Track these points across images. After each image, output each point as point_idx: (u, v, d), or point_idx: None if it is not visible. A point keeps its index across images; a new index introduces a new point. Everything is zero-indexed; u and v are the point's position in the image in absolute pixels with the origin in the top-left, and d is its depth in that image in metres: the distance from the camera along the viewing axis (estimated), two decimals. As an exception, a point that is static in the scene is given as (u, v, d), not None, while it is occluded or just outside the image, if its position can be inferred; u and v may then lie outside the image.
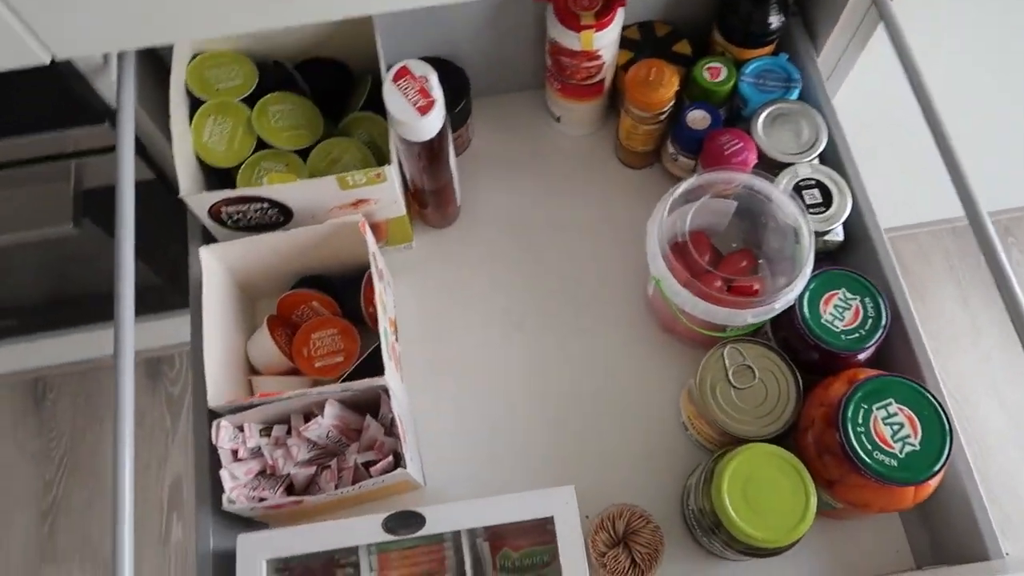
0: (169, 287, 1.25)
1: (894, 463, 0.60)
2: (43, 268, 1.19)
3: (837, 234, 0.75)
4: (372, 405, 0.68)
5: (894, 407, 0.62)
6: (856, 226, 0.75)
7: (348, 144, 0.74)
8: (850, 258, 0.77)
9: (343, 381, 0.71)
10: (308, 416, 0.67)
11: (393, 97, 0.66)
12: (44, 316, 1.32)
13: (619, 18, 0.74)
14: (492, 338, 0.79)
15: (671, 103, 0.77)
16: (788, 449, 0.65)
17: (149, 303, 1.29)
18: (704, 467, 0.67)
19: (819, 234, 0.73)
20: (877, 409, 0.62)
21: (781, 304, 0.66)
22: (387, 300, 0.73)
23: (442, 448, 0.74)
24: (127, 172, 0.61)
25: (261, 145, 0.73)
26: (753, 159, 0.73)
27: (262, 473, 0.66)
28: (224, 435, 0.64)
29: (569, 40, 0.74)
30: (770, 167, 0.76)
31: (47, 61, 0.57)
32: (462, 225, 0.84)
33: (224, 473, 0.63)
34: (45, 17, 0.52)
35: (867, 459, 0.60)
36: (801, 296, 0.68)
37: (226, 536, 0.64)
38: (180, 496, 1.44)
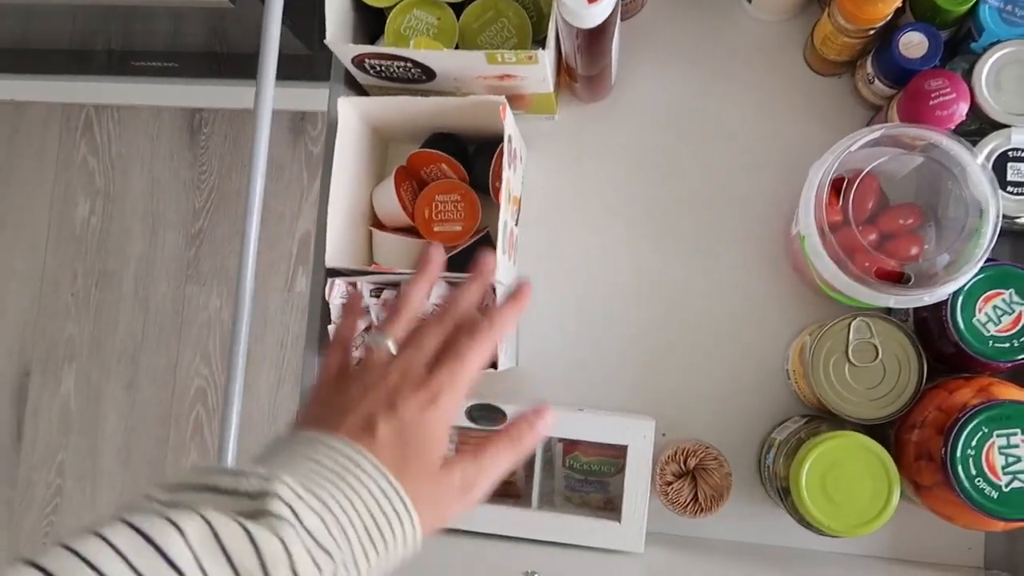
0: (318, 57, 1.25)
1: (995, 495, 0.56)
2: (204, 27, 1.20)
3: (1031, 217, 0.64)
4: (480, 290, 0.68)
5: (1018, 438, 0.56)
6: (1056, 211, 0.64)
7: (507, 6, 0.67)
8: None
9: (455, 251, 0.71)
10: (417, 287, 0.67)
11: (563, -27, 0.57)
12: (204, 65, 1.35)
13: (854, -97, 0.60)
14: (612, 234, 0.75)
15: (887, 19, 0.64)
16: (885, 438, 0.62)
17: (298, 69, 1.29)
18: (792, 433, 0.64)
19: (1009, 216, 0.63)
20: (998, 436, 0.56)
21: (933, 297, 0.59)
22: (514, 182, 0.70)
23: (539, 335, 0.74)
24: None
25: (416, -12, 0.67)
26: (961, 116, 0.61)
27: (367, 330, 0.68)
28: (336, 292, 0.66)
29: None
30: (983, 122, 0.64)
31: None
32: (612, 103, 0.76)
33: (332, 328, 0.65)
34: None
35: (967, 483, 0.56)
36: (960, 287, 0.61)
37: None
38: (307, 251, 1.54)
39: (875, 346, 0.63)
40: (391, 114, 0.70)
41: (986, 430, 0.56)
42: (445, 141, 0.74)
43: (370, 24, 0.71)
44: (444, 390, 0.41)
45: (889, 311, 0.66)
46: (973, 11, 0.64)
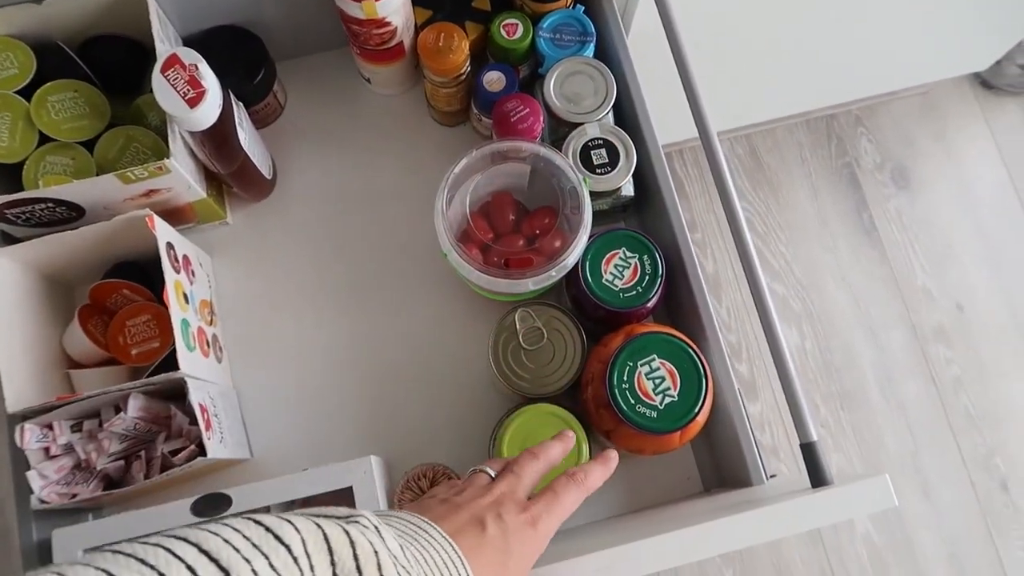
0: None
1: (654, 415, 0.63)
2: None
3: (628, 190, 0.74)
4: (182, 391, 0.67)
5: (656, 362, 0.64)
6: (648, 180, 0.75)
7: (136, 132, 0.70)
8: (644, 210, 0.77)
9: (159, 361, 0.71)
10: (119, 408, 0.66)
11: (162, 89, 0.62)
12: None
13: (402, -17, 0.70)
14: (310, 311, 0.78)
15: (465, 67, 0.74)
16: (578, 405, 0.68)
17: None
18: (498, 423, 0.69)
19: (609, 192, 0.73)
20: (641, 365, 0.64)
21: (559, 271, 0.66)
22: (194, 287, 0.71)
23: (269, 420, 0.75)
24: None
25: (46, 138, 0.69)
26: (539, 125, 0.71)
27: (77, 467, 0.66)
28: (30, 436, 0.63)
29: (352, 9, 0.69)
30: (563, 127, 0.74)
31: None
32: (278, 196, 0.81)
33: (32, 474, 0.62)
34: None
35: (629, 412, 0.62)
36: (584, 257, 0.69)
37: (51, 524, 0.65)
38: None
39: (540, 328, 0.69)
40: (55, 256, 0.70)
41: (631, 364, 0.64)
42: (127, 267, 0.75)
43: (12, 180, 0.71)
44: (542, 518, 0.46)
45: (549, 294, 0.73)
46: (534, 45, 0.76)
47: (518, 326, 0.69)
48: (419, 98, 0.84)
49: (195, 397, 0.64)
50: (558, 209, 0.75)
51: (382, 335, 0.77)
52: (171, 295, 0.65)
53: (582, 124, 0.73)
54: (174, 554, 0.30)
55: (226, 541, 0.31)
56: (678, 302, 0.73)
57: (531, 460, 0.51)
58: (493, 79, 0.75)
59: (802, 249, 1.55)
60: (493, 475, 0.50)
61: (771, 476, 0.69)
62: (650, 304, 0.69)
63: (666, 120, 0.79)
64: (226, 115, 0.66)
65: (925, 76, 1.53)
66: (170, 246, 0.68)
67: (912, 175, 1.60)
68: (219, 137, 0.66)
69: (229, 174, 0.72)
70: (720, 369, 0.67)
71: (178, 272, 0.68)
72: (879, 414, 1.47)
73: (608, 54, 0.78)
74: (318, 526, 0.34)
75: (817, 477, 0.56)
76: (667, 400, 0.63)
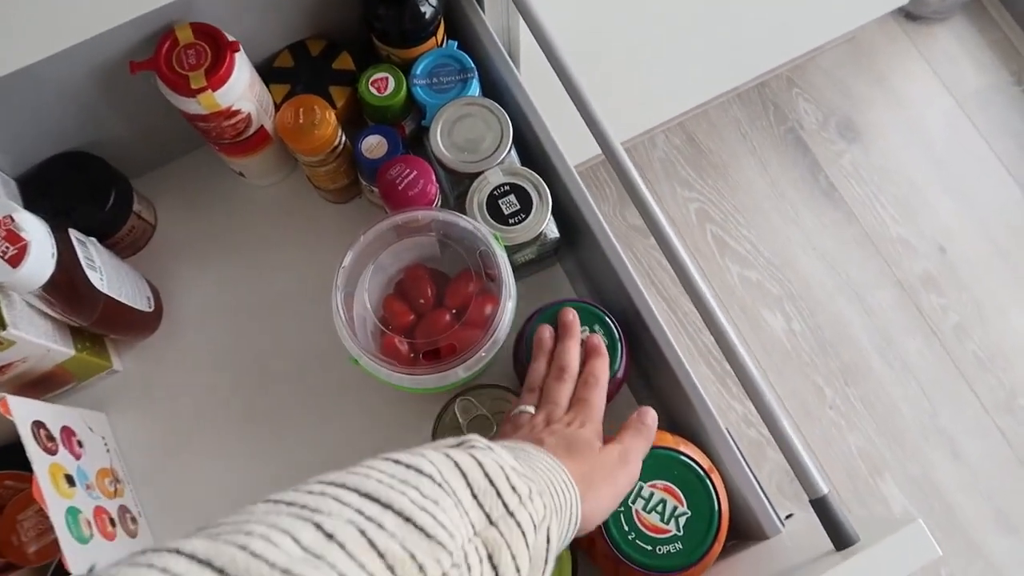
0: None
1: (679, 545, 0.53)
2: None
3: (551, 232, 0.65)
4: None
5: (646, 489, 0.54)
6: (573, 214, 0.65)
7: (-28, 302, 0.59)
8: (578, 247, 0.68)
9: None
10: (17, 630, 0.55)
11: (-24, 254, 0.52)
12: None
13: (241, 63, 0.60)
14: (231, 445, 0.68)
15: (337, 138, 0.65)
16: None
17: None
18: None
19: (531, 241, 0.63)
20: (633, 503, 0.54)
21: (488, 350, 0.56)
22: (82, 462, 0.61)
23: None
24: None
25: None
26: (432, 187, 0.61)
27: None
28: None
29: (189, 106, 0.60)
30: (465, 179, 0.65)
31: None
32: (169, 325, 0.71)
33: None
34: None
35: (652, 561, 0.52)
36: (529, 338, 0.59)
37: None
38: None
39: (486, 415, 0.59)
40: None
41: (623, 508, 0.53)
42: (2, 455, 0.64)
43: None
44: (584, 421, 0.52)
45: (499, 372, 0.63)
46: (411, 96, 0.67)
47: (460, 419, 0.59)
48: (302, 180, 0.74)
49: (97, 601, 0.53)
50: (478, 273, 0.65)
51: (315, 454, 0.67)
52: (44, 487, 0.55)
53: (482, 172, 0.64)
54: (340, 501, 0.33)
55: (379, 482, 0.33)
56: (648, 357, 0.63)
57: (558, 385, 0.55)
58: (372, 144, 0.65)
59: (765, 228, 1.46)
60: (532, 410, 0.53)
61: (787, 517, 0.59)
62: (618, 376, 0.59)
63: (585, 136, 0.70)
64: (67, 261, 0.56)
65: (848, 24, 1.46)
66: (39, 425, 0.57)
67: (859, 125, 1.53)
68: (65, 288, 0.56)
69: (93, 323, 0.61)
70: (712, 429, 0.57)
71: (54, 453, 0.58)
72: (886, 382, 1.38)
73: (498, 87, 0.69)
74: (446, 455, 0.36)
75: (839, 537, 0.46)
76: (683, 518, 0.53)
